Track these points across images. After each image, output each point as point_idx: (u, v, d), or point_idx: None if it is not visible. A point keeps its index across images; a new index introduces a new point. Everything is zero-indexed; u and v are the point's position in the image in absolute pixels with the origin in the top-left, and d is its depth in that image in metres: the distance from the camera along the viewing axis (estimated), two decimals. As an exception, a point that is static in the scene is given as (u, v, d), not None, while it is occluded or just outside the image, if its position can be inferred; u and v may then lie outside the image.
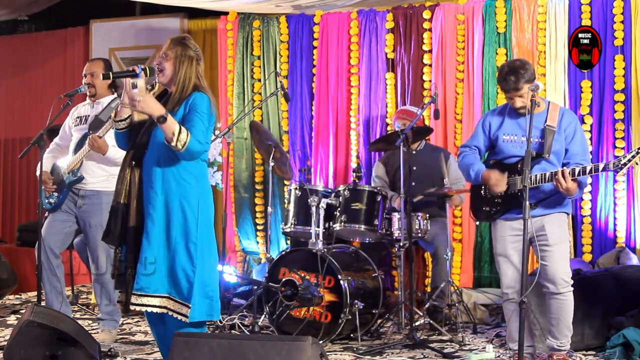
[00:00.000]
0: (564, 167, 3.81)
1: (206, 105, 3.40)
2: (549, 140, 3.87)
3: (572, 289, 3.89)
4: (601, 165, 3.71)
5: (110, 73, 3.50)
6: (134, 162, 3.42)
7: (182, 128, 3.27)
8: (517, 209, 3.93)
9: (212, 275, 3.43)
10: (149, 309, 3.33)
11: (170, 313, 3.33)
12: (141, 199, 3.39)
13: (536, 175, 3.85)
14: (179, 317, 3.32)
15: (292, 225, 5.26)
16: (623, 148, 5.65)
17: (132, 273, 3.38)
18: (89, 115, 4.84)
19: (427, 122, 5.89)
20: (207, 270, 3.39)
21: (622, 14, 5.73)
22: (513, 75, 3.88)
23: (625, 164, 3.63)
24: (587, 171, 3.71)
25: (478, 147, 4.15)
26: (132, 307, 3.34)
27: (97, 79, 4.80)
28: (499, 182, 3.96)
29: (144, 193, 3.39)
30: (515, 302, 3.95)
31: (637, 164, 3.69)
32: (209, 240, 3.43)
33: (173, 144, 3.25)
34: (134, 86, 3.29)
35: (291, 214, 5.29)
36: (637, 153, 3.65)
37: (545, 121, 3.89)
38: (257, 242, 6.77)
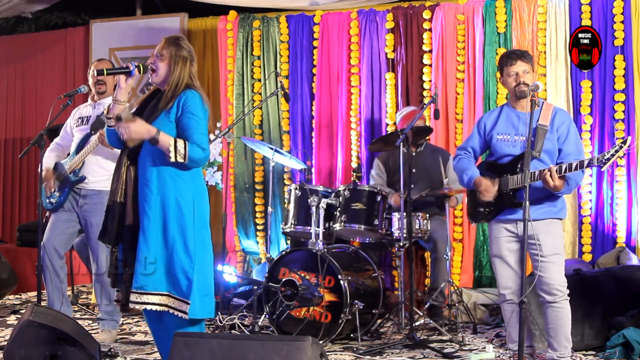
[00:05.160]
0: (551, 166, 3.80)
1: (199, 105, 3.42)
2: (540, 139, 3.86)
3: (569, 298, 3.89)
4: (586, 161, 3.70)
5: (104, 69, 3.54)
6: (129, 161, 3.44)
7: (177, 140, 3.31)
8: (509, 209, 3.93)
9: (209, 272, 3.46)
10: (149, 307, 3.34)
11: (171, 311, 3.35)
12: (137, 197, 3.41)
13: (532, 173, 3.83)
14: (179, 314, 3.34)
15: (292, 225, 5.26)
16: (623, 148, 5.64)
17: (129, 272, 3.39)
18: (90, 116, 4.86)
19: (427, 122, 5.89)
20: (204, 267, 3.42)
21: (622, 14, 5.74)
22: (518, 51, 4.03)
23: (609, 159, 3.62)
24: (573, 167, 3.70)
25: (473, 148, 4.16)
26: (131, 306, 3.35)
27: (109, 78, 4.80)
28: (488, 189, 3.95)
29: (139, 191, 3.40)
30: (512, 303, 3.94)
31: (620, 158, 3.69)
32: (204, 237, 3.46)
33: (172, 159, 3.30)
34: (119, 119, 3.33)
35: (291, 214, 5.29)
36: (620, 147, 3.63)
37: (538, 120, 3.89)
38: (257, 242, 6.77)
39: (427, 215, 5.25)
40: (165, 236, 3.37)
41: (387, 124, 6.34)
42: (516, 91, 3.95)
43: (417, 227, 5.13)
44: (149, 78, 3.56)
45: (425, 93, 6.22)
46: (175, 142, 3.31)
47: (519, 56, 3.94)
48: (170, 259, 3.36)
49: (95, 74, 3.52)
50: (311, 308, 4.73)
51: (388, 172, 5.69)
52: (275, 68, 6.64)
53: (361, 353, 4.48)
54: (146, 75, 3.55)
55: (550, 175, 3.71)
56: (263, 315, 4.90)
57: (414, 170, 5.28)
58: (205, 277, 3.42)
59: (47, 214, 4.88)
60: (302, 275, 4.76)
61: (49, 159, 4.84)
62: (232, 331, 4.86)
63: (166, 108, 3.40)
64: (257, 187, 6.76)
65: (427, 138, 5.72)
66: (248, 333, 4.71)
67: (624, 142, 3.63)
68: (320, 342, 4.55)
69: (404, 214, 4.85)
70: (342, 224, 5.07)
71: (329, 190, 5.33)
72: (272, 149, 5.62)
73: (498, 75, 4.17)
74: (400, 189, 4.96)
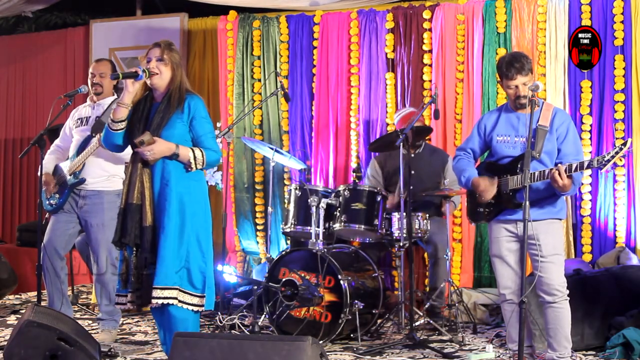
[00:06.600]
0: (559, 165, 3.80)
1: (205, 108, 3.68)
2: (540, 140, 3.87)
3: (568, 298, 3.89)
4: (585, 163, 3.71)
5: (120, 74, 3.72)
6: (142, 164, 3.57)
7: (194, 150, 3.56)
8: (509, 210, 3.93)
9: (212, 266, 3.66)
10: (171, 302, 3.48)
11: (180, 305, 3.49)
12: (154, 198, 3.56)
13: (532, 174, 3.84)
14: (191, 307, 3.51)
15: (292, 225, 5.26)
16: (623, 148, 5.64)
17: (149, 271, 3.52)
18: (89, 117, 4.86)
19: (427, 122, 5.89)
20: (211, 262, 3.64)
21: (622, 14, 5.74)
22: (517, 62, 3.90)
23: (609, 161, 3.63)
24: (573, 169, 3.71)
25: (473, 149, 4.16)
26: (154, 302, 3.47)
27: (105, 79, 4.90)
28: (487, 189, 3.95)
29: (156, 191, 3.56)
30: (512, 303, 3.95)
31: (621, 159, 3.70)
32: (210, 233, 3.67)
33: (194, 169, 3.55)
34: (141, 143, 3.50)
35: (291, 214, 5.29)
36: (620, 149, 3.63)
37: (538, 121, 3.89)
38: (257, 242, 6.77)
39: (427, 215, 5.25)
40: (182, 233, 3.53)
41: (386, 124, 6.34)
42: (516, 103, 3.97)
43: (417, 227, 5.12)
44: None
45: (425, 93, 6.22)
46: (194, 152, 3.55)
47: (519, 71, 3.88)
48: (186, 254, 3.53)
49: (111, 79, 3.70)
50: (311, 308, 4.73)
51: (385, 174, 5.68)
52: (275, 68, 6.64)
53: (361, 353, 4.48)
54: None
55: (559, 174, 3.70)
56: (263, 315, 4.90)
57: (412, 172, 5.27)
58: (211, 271, 3.62)
59: (47, 215, 4.88)
60: (302, 275, 4.76)
61: (48, 162, 4.84)
62: (232, 331, 4.86)
63: (178, 110, 3.59)
64: (257, 187, 6.76)
65: (427, 138, 5.71)
66: (248, 333, 4.71)
67: (624, 144, 3.64)
68: (320, 342, 4.55)
69: (404, 214, 4.86)
70: (342, 224, 5.07)
71: (329, 190, 5.33)
72: (272, 149, 5.62)
73: (497, 76, 4.16)
74: (397, 190, 4.95)
